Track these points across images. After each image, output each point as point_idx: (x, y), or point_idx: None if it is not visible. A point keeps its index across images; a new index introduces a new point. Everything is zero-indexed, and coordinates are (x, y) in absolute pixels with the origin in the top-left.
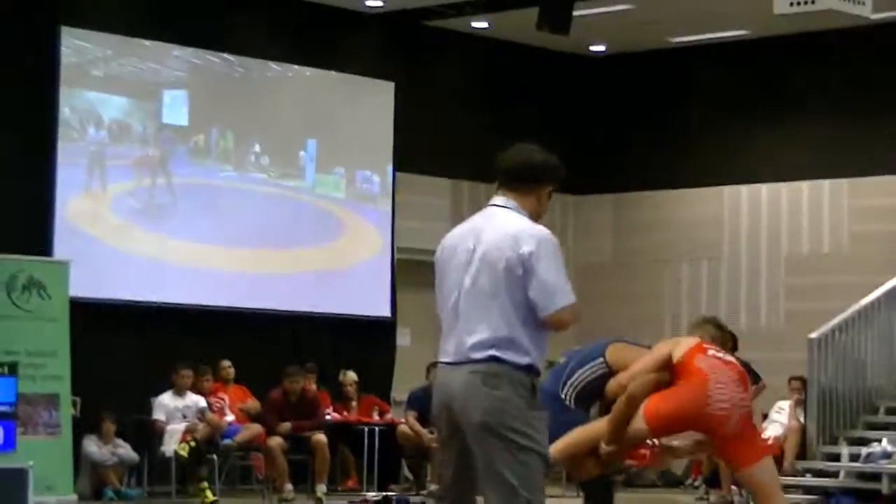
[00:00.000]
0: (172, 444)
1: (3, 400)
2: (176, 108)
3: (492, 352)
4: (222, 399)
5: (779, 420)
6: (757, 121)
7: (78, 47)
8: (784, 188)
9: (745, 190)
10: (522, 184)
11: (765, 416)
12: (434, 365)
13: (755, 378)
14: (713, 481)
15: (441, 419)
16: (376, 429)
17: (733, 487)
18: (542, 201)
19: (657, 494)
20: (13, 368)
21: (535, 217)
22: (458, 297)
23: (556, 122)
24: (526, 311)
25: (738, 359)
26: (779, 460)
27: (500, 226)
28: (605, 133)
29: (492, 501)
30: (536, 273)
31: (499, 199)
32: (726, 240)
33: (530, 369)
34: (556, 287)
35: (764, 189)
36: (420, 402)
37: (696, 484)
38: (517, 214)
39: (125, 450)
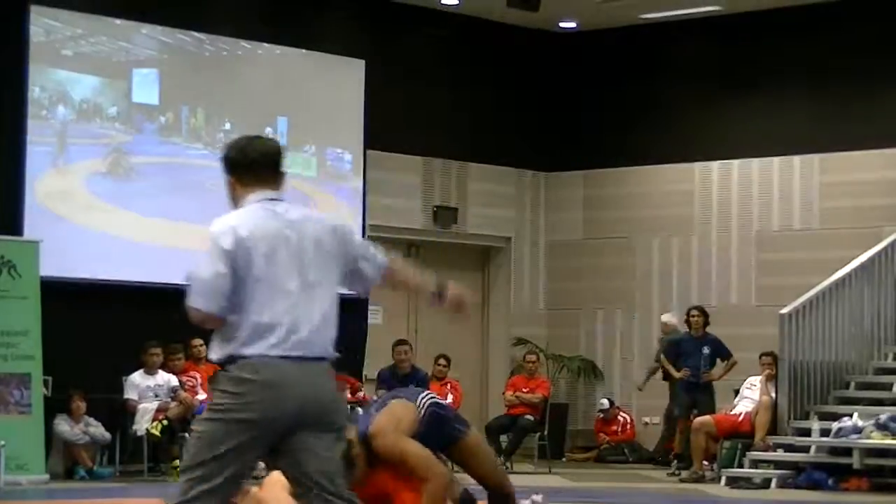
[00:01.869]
0: (144, 423)
1: None
2: (146, 87)
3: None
4: (194, 377)
5: (750, 396)
6: (727, 97)
7: (47, 26)
8: (755, 164)
9: (716, 166)
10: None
11: (736, 392)
12: (400, 342)
13: (726, 354)
14: (685, 457)
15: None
16: (348, 406)
17: (705, 463)
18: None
19: (631, 470)
20: None
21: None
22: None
23: (527, 100)
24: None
25: (709, 334)
26: (750, 435)
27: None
28: (575, 110)
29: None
30: None
31: (273, 193)
32: (697, 216)
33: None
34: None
35: (735, 165)
36: (389, 381)
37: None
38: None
39: (97, 429)
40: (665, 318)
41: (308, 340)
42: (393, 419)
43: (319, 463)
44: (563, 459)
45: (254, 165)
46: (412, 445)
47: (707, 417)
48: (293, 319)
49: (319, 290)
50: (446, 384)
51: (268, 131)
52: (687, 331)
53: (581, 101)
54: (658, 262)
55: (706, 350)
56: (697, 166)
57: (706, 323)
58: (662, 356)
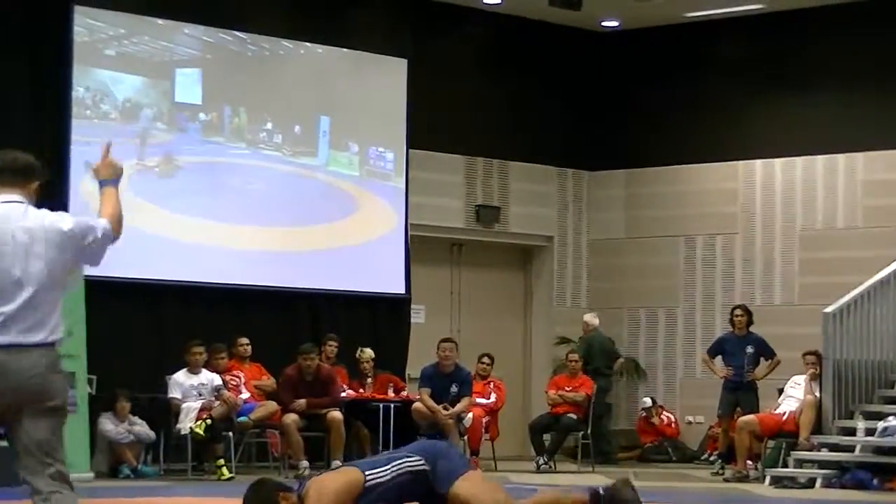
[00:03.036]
0: (188, 422)
1: None
2: (189, 87)
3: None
4: (238, 377)
5: (794, 395)
6: (771, 95)
7: (91, 26)
8: (799, 162)
9: (759, 164)
10: (27, 180)
11: (780, 391)
12: (445, 340)
13: (770, 353)
14: (728, 456)
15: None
16: (391, 405)
17: (748, 462)
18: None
19: (673, 470)
20: None
21: None
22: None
23: (569, 99)
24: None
25: (752, 333)
26: (794, 434)
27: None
28: (617, 109)
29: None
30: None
31: (14, 196)
32: (740, 215)
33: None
34: None
35: (778, 164)
36: (432, 379)
37: (712, 459)
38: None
39: (141, 427)
40: (587, 317)
41: (24, 330)
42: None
43: (38, 441)
44: (606, 459)
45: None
46: None
47: (751, 417)
48: (11, 311)
49: (40, 286)
50: (489, 383)
51: (312, 131)
52: (730, 330)
53: (623, 99)
54: (701, 261)
55: (750, 349)
56: (741, 165)
57: (750, 322)
58: (705, 355)
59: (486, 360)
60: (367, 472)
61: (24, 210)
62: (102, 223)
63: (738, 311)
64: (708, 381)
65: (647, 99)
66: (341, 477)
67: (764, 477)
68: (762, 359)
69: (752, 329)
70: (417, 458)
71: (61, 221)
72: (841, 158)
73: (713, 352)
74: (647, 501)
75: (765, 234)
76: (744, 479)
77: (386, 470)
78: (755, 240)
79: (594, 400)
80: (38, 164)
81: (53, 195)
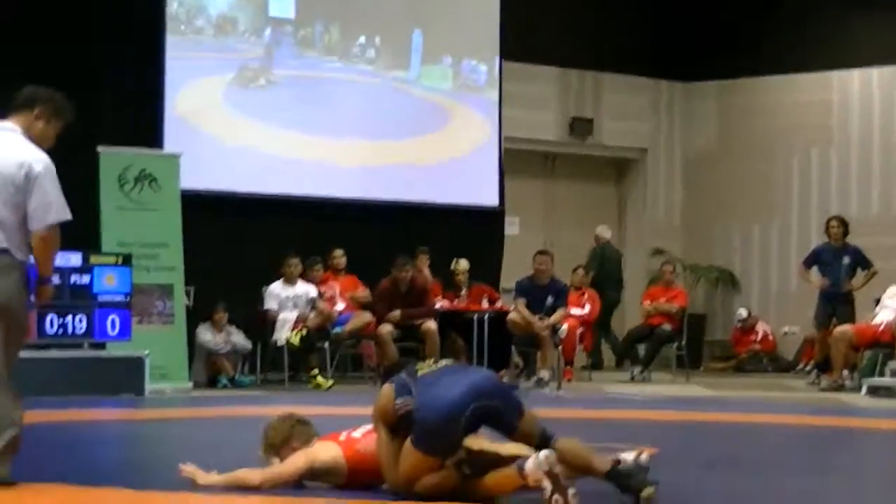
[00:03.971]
0: (284, 333)
1: (118, 290)
2: (282, 1)
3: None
4: (333, 287)
5: (890, 305)
6: (868, 2)
7: None
8: None
9: (856, 74)
10: (26, 108)
11: (876, 302)
12: (541, 252)
13: (866, 264)
14: (824, 367)
15: None
16: (486, 316)
17: (844, 372)
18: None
19: (769, 380)
20: (127, 259)
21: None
22: None
23: (662, 9)
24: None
25: (849, 244)
26: (890, 345)
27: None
28: (711, 19)
29: None
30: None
31: (8, 124)
32: (836, 125)
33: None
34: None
35: (875, 73)
36: (528, 291)
37: (808, 369)
38: (22, 138)
39: (238, 338)
40: (599, 229)
41: None
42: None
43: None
44: (701, 369)
45: None
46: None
47: (847, 327)
48: None
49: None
50: (583, 294)
51: (405, 45)
52: (826, 241)
53: (717, 9)
54: (797, 172)
55: (846, 260)
56: (836, 74)
57: (846, 233)
58: (801, 266)
59: (581, 271)
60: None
61: (10, 137)
62: (43, 224)
63: (833, 222)
64: (803, 292)
65: (741, 7)
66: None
67: (860, 387)
68: (859, 269)
69: (848, 240)
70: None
71: (23, 166)
72: None
73: (809, 263)
74: (745, 412)
75: (861, 144)
76: (839, 389)
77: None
78: (851, 150)
79: (685, 312)
80: (47, 96)
81: (149, 112)
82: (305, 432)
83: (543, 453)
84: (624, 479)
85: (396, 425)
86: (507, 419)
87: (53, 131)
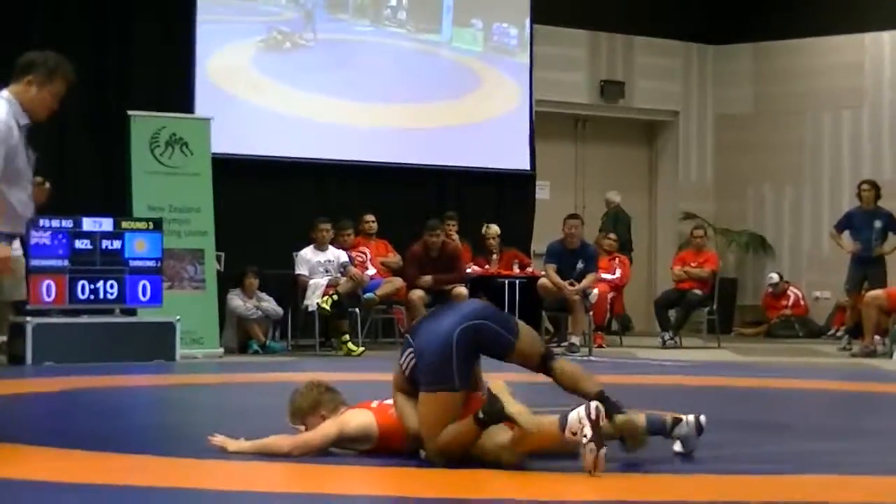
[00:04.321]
0: (315, 298)
1: (149, 255)
2: None
3: None
4: (364, 253)
5: None
6: None
7: None
8: None
9: (887, 36)
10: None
11: None
12: (572, 217)
13: None
14: (856, 332)
15: None
16: (517, 281)
17: (876, 337)
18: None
19: (800, 345)
20: (158, 224)
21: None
22: None
23: None
24: None
25: (881, 208)
26: None
27: None
28: None
29: None
30: None
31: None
32: (869, 88)
33: None
34: None
35: None
36: (558, 255)
37: (839, 334)
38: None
39: (269, 304)
40: (609, 195)
41: None
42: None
43: None
44: (732, 334)
45: None
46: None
47: (879, 291)
48: None
49: None
50: (614, 258)
51: (436, 7)
52: (858, 204)
53: None
54: (829, 136)
55: (878, 224)
56: (868, 36)
57: (878, 196)
58: (833, 230)
59: (612, 235)
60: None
61: None
62: None
63: (865, 186)
64: (835, 256)
65: None
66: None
67: (892, 352)
68: (891, 233)
69: (880, 203)
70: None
71: None
72: None
73: (841, 227)
74: (775, 377)
75: (893, 106)
76: (871, 354)
77: (405, 359)
78: (883, 113)
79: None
80: (40, 61)
81: (180, 76)
82: (333, 400)
83: (594, 403)
84: (605, 403)
85: (410, 386)
86: (502, 339)
87: (50, 95)
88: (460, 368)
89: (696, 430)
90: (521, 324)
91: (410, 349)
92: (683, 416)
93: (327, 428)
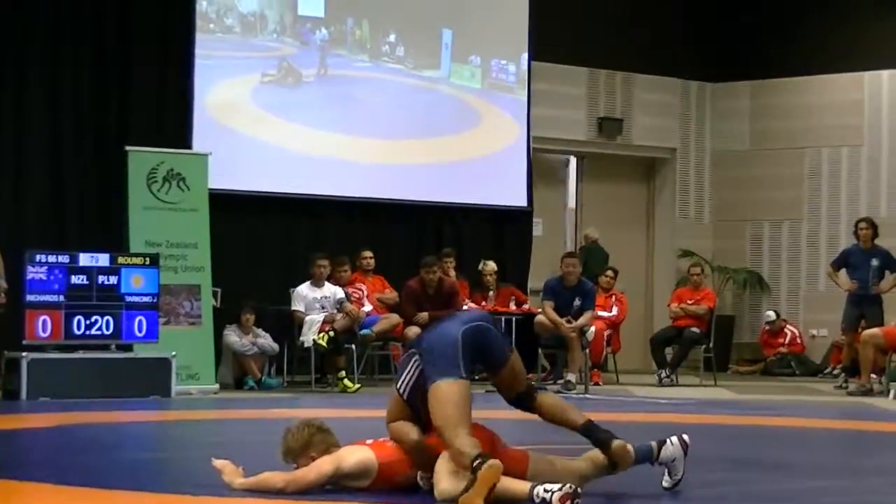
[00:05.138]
0: (311, 335)
1: (145, 291)
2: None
3: None
4: (360, 289)
5: None
6: None
7: None
8: None
9: (885, 75)
10: None
11: None
12: (569, 255)
13: (895, 266)
14: (853, 370)
15: None
16: (513, 318)
17: (873, 376)
18: None
19: (797, 383)
20: (155, 260)
21: None
22: None
23: (691, 9)
24: None
25: (878, 246)
26: None
27: None
28: (740, 19)
29: None
30: None
31: None
32: (867, 126)
33: None
34: None
35: None
36: (555, 292)
37: (836, 373)
38: None
39: (265, 340)
40: (588, 230)
41: None
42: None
43: None
44: (729, 372)
45: None
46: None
47: (876, 330)
48: None
49: None
50: (611, 296)
51: (435, 43)
52: (855, 242)
53: (747, 9)
54: (826, 173)
55: (875, 262)
56: (867, 75)
57: (875, 235)
58: (830, 267)
59: (609, 272)
60: (398, 386)
61: None
62: None
63: (862, 224)
64: (832, 295)
65: (771, 8)
66: (390, 403)
67: (888, 390)
68: (888, 272)
69: (877, 242)
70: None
71: None
72: None
73: (838, 265)
74: (772, 415)
75: (891, 145)
76: (868, 392)
77: (408, 371)
78: (881, 151)
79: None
80: None
81: (179, 111)
82: (325, 441)
83: (571, 485)
84: (595, 434)
85: (409, 409)
86: (499, 349)
87: None
88: (466, 361)
89: (682, 449)
90: (515, 350)
91: (416, 357)
92: (667, 438)
93: (323, 465)
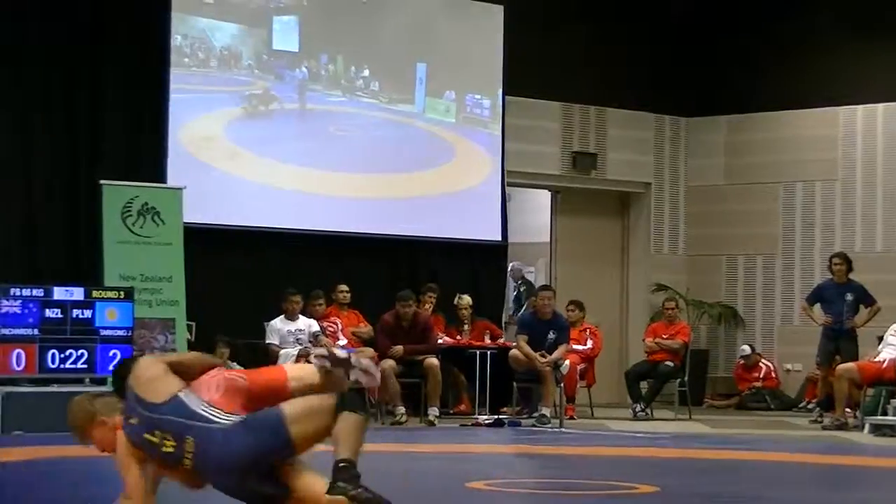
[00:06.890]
0: None
1: (120, 324)
2: (286, 34)
3: None
4: (335, 323)
5: (894, 343)
6: (873, 39)
7: None
8: None
9: (860, 110)
10: None
11: (880, 339)
12: (544, 288)
13: (870, 301)
14: (827, 404)
15: None
16: (488, 352)
17: (847, 410)
18: None
19: (772, 417)
20: (129, 294)
21: None
22: None
23: (665, 44)
24: None
25: (852, 281)
26: (894, 383)
27: None
28: (715, 54)
29: None
30: None
31: None
32: (841, 161)
33: None
34: None
35: (880, 109)
36: (530, 326)
37: (811, 407)
38: None
39: None
40: (514, 265)
41: None
42: None
43: None
44: (704, 406)
45: None
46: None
47: (850, 364)
48: None
49: None
50: (586, 330)
51: (409, 78)
52: (830, 277)
53: (721, 44)
54: (801, 208)
55: (849, 297)
56: (841, 110)
57: (850, 269)
58: (804, 302)
59: (571, 306)
60: None
61: None
62: None
63: (836, 260)
64: (807, 329)
65: (745, 44)
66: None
67: (863, 425)
68: (862, 306)
69: (851, 276)
70: None
71: None
72: None
73: (812, 299)
74: (747, 449)
75: (865, 180)
76: (843, 427)
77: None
78: (855, 187)
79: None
80: None
81: (153, 145)
82: (107, 403)
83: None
84: (333, 475)
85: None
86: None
87: None
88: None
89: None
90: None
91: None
92: None
93: (126, 466)
